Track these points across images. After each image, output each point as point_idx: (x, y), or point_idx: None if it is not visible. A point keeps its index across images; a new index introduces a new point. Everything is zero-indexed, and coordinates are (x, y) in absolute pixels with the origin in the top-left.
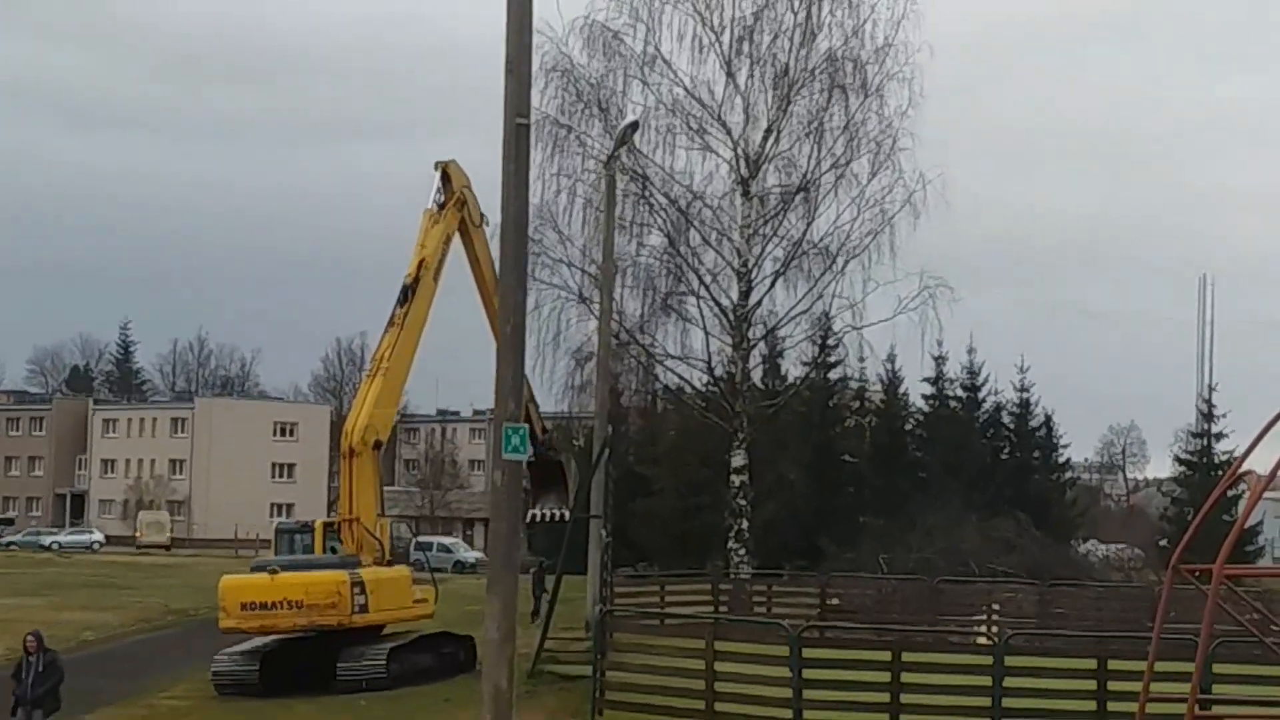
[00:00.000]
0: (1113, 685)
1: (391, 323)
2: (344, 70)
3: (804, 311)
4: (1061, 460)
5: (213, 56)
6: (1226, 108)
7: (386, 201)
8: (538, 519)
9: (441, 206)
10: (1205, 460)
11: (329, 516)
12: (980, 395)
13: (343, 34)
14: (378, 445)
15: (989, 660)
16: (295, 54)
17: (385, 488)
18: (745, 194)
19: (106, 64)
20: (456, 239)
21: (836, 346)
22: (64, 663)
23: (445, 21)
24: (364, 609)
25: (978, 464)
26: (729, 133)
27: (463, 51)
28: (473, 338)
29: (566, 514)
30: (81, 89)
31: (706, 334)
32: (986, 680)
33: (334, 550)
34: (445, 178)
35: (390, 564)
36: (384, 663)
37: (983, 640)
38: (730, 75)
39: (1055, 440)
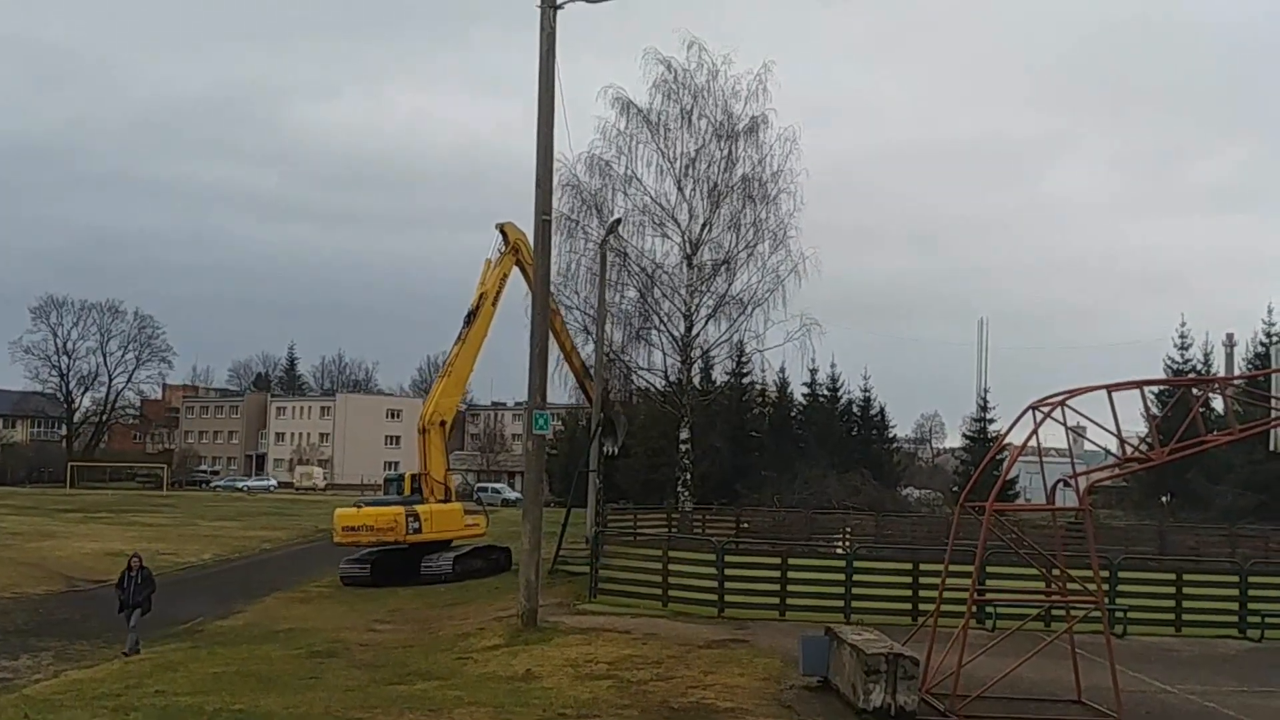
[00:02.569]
0: (923, 580)
1: (459, 338)
2: (438, 182)
3: (727, 340)
4: (890, 435)
5: (349, 171)
6: (999, 212)
7: (465, 267)
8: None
9: (502, 254)
10: (982, 436)
11: (415, 471)
12: (838, 394)
13: (444, 156)
14: (443, 424)
15: (843, 563)
16: (400, 169)
17: (457, 452)
18: (689, 265)
19: (277, 177)
20: (515, 273)
21: (748, 363)
22: (154, 576)
23: (495, 151)
24: (418, 530)
25: (837, 437)
26: (679, 226)
27: (512, 169)
28: (517, 353)
29: (616, 451)
30: (257, 192)
31: (664, 354)
32: (841, 576)
33: (417, 492)
34: (504, 234)
35: (447, 501)
36: (450, 564)
37: (840, 550)
38: (680, 190)
39: (886, 422)
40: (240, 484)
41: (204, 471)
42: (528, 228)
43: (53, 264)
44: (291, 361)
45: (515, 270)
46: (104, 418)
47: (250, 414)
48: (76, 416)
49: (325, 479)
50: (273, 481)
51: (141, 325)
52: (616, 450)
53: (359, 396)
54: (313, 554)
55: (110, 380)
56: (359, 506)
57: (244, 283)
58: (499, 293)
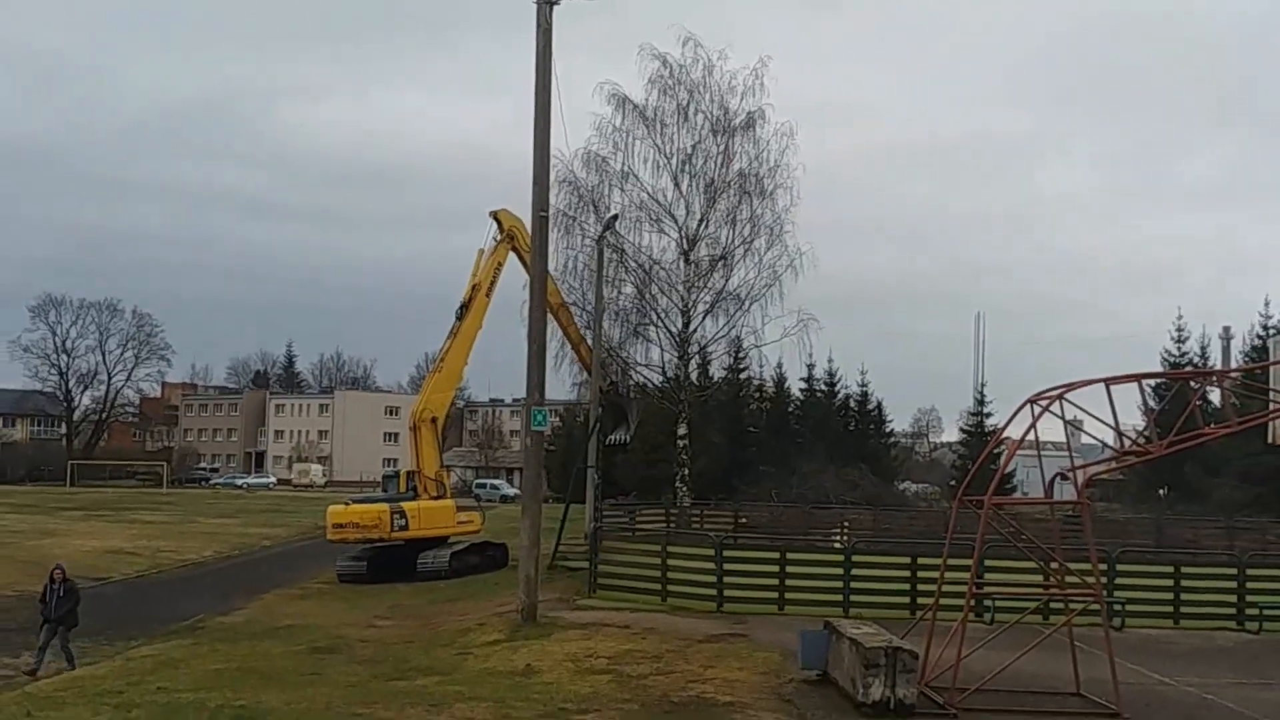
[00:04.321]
0: (921, 574)
1: (451, 332)
2: (431, 181)
3: (724, 336)
4: (888, 430)
5: (343, 171)
6: (995, 208)
7: (461, 264)
8: (611, 443)
9: (496, 242)
10: (979, 430)
11: (409, 468)
12: (836, 388)
13: (437, 155)
14: (434, 421)
15: (841, 558)
16: (393, 169)
17: (455, 449)
18: (686, 261)
19: (268, 177)
20: (512, 260)
21: (745, 358)
22: (79, 589)
23: (488, 150)
24: (404, 528)
25: (834, 432)
26: (676, 222)
27: (506, 168)
28: (514, 349)
29: (628, 439)
30: (253, 193)
31: (662, 350)
32: (840, 571)
33: (413, 489)
34: (498, 221)
35: (440, 498)
36: (447, 561)
37: (838, 545)
38: (677, 185)
39: (883, 417)
40: (239, 481)
41: (203, 469)
42: (525, 223)
43: (50, 265)
44: (290, 359)
45: (514, 262)
46: (103, 416)
47: (249, 411)
48: (76, 415)
49: (324, 476)
50: (272, 479)
51: (140, 323)
52: (629, 438)
53: (357, 394)
54: (312, 551)
55: (109, 379)
56: (347, 504)
57: (241, 281)
58: (493, 283)
